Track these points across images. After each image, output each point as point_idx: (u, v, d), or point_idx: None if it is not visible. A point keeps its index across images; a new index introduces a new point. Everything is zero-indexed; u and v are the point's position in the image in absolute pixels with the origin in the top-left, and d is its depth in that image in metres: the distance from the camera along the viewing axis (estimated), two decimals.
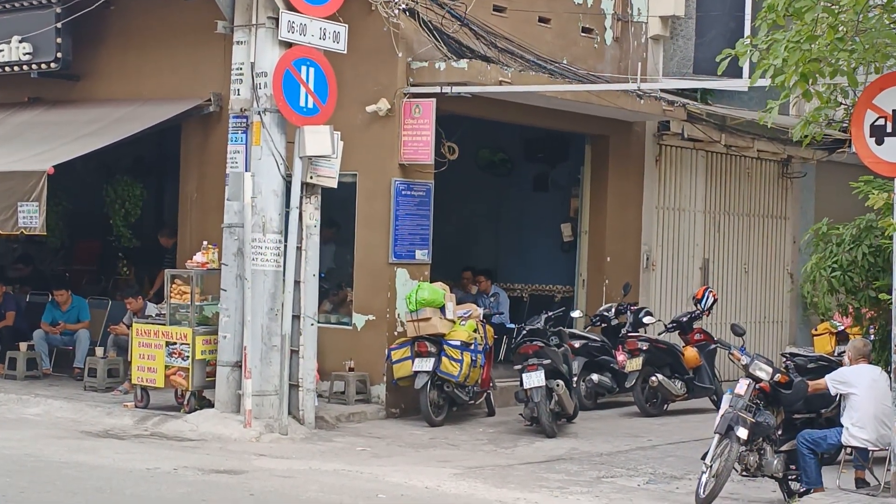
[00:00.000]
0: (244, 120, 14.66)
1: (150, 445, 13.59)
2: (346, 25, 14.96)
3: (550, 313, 16.00)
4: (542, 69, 17.33)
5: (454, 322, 15.60)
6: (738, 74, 16.32)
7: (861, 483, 11.73)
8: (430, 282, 16.12)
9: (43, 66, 17.83)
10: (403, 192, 16.16)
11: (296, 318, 14.53)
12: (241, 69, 14.68)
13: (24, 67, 18.00)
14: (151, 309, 16.44)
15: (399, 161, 16.09)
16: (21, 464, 12.05)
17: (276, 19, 14.36)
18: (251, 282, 14.39)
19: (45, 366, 18.07)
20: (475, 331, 15.67)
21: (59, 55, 17.66)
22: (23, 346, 17.89)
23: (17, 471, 11.67)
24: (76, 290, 18.99)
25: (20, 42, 17.89)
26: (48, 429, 14.41)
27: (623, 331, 17.55)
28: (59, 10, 17.44)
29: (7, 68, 18.15)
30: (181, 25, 17.21)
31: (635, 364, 16.94)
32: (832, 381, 11.62)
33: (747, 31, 18.10)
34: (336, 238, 16.88)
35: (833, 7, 10.54)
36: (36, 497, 10.64)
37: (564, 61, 18.15)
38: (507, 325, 17.99)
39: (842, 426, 11.49)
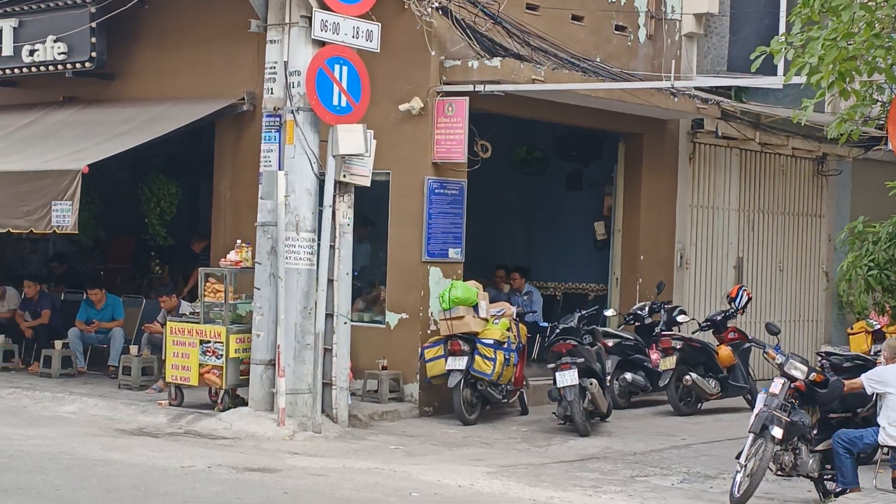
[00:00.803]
0: (277, 119, 14.68)
1: (185, 443, 13.62)
2: (379, 24, 14.96)
3: (584, 312, 15.97)
4: (576, 67, 17.29)
5: (487, 320, 15.58)
6: (773, 71, 16.24)
7: None
8: (464, 280, 16.10)
9: (77, 65, 17.90)
10: (436, 191, 16.15)
11: (329, 316, 14.54)
12: (274, 68, 14.70)
13: (59, 67, 18.07)
14: (185, 307, 16.51)
15: (432, 159, 16.08)
16: (56, 461, 12.10)
17: (310, 18, 14.36)
18: (284, 280, 14.41)
19: (79, 364, 18.14)
20: (508, 329, 15.65)
21: (93, 55, 17.73)
22: (58, 344, 17.97)
23: (53, 468, 11.72)
24: (111, 289, 19.05)
25: (55, 42, 17.97)
26: (83, 426, 14.46)
27: (657, 329, 17.50)
28: (93, 9, 17.49)
29: (42, 68, 18.23)
30: (215, 25, 17.25)
31: (669, 363, 16.89)
32: (868, 380, 11.54)
33: (782, 28, 18.02)
34: (369, 237, 16.88)
35: (870, 4, 10.48)
36: (71, 494, 10.68)
37: (598, 59, 18.10)
38: (541, 324, 17.96)
39: (878, 426, 11.41)
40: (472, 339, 15.36)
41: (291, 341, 14.43)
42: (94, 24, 17.58)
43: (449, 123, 15.93)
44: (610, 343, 17.02)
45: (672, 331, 17.42)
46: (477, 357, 15.26)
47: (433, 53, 15.98)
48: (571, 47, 17.61)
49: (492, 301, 16.23)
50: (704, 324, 17.87)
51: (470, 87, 15.95)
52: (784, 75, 11.83)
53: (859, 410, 12.04)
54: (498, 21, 16.53)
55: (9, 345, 18.59)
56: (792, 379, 11.48)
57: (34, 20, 18.19)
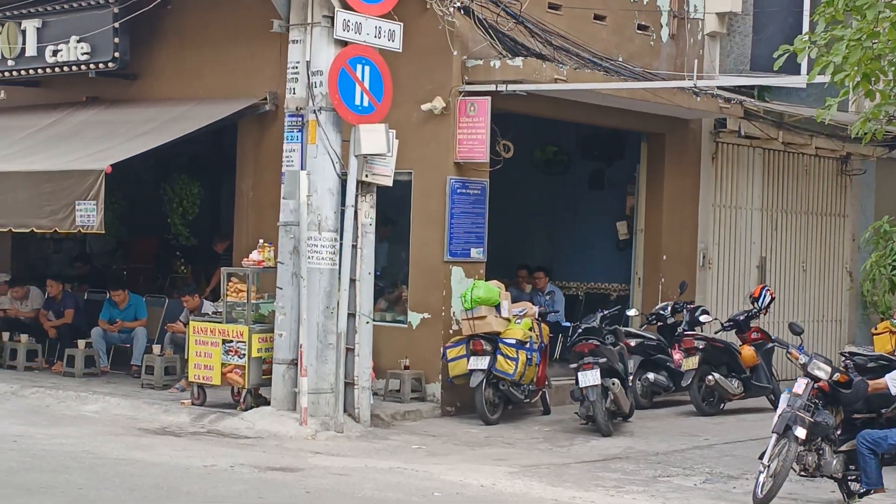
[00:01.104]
0: (300, 118, 14.70)
1: (207, 443, 13.65)
2: (402, 24, 14.96)
3: (606, 312, 15.93)
4: (598, 67, 17.26)
5: (509, 320, 15.57)
6: (797, 70, 16.19)
7: None
8: (486, 280, 16.09)
9: (100, 65, 17.96)
10: (459, 191, 16.14)
11: (351, 316, 14.55)
12: (296, 68, 14.72)
13: (82, 67, 18.13)
14: (208, 307, 16.54)
15: (454, 159, 16.07)
16: (79, 460, 12.13)
17: (332, 18, 14.37)
18: (307, 280, 14.42)
19: (102, 363, 18.21)
20: (530, 329, 15.64)
21: (116, 55, 17.78)
22: (81, 343, 18.03)
23: (76, 467, 11.75)
24: (133, 288, 19.12)
25: (78, 42, 18.03)
26: (106, 426, 14.50)
27: (679, 329, 17.46)
28: (116, 10, 17.55)
29: (65, 68, 18.30)
30: (237, 24, 17.28)
31: (692, 363, 16.86)
32: (892, 381, 11.48)
33: (805, 27, 17.96)
34: (391, 236, 16.88)
35: (895, 2, 10.43)
36: (94, 494, 10.70)
37: (620, 59, 18.07)
38: (563, 324, 17.94)
39: None
40: (494, 338, 15.35)
41: (314, 341, 14.45)
42: (116, 25, 17.63)
43: (471, 123, 15.93)
44: (632, 343, 16.99)
45: (695, 331, 17.38)
46: (499, 357, 15.25)
47: (455, 53, 15.98)
48: (594, 47, 17.59)
49: (514, 301, 16.21)
50: (727, 324, 17.82)
51: (492, 87, 15.93)
52: (808, 74, 11.78)
53: (883, 411, 11.96)
54: (520, 21, 16.51)
55: (32, 344, 18.67)
56: (815, 379, 11.43)
57: (57, 20, 18.26)
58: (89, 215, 15.67)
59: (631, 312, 18.18)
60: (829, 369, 11.47)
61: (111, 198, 17.92)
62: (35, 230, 16.80)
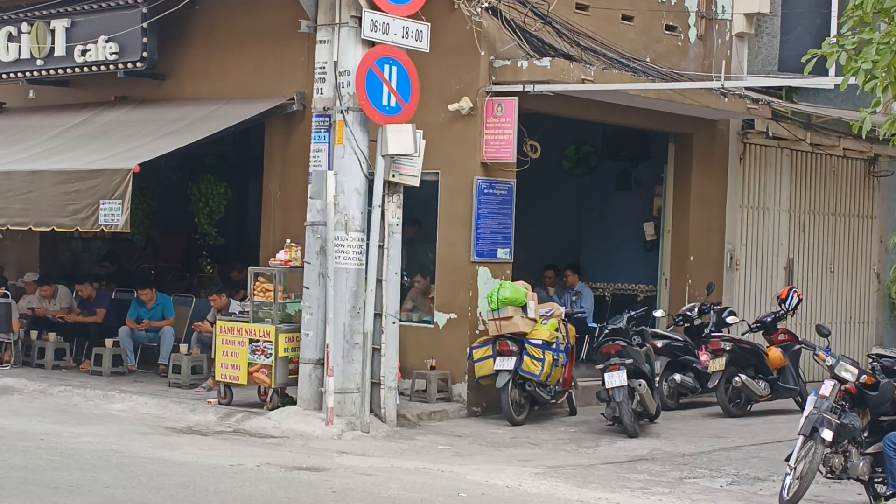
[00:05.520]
0: (327, 119, 14.73)
1: (234, 442, 13.69)
2: (429, 24, 14.98)
3: (633, 312, 15.91)
4: (625, 67, 17.24)
5: (536, 321, 15.56)
6: (825, 72, 16.14)
7: None
8: (512, 280, 16.09)
9: (129, 65, 18.03)
10: (486, 191, 16.15)
11: (378, 316, 14.58)
12: (324, 68, 14.76)
13: (111, 67, 18.22)
14: (235, 306, 16.58)
15: (481, 159, 16.08)
16: (106, 459, 12.19)
17: (359, 18, 14.40)
18: (333, 280, 14.45)
19: (130, 362, 18.28)
20: (557, 330, 15.63)
21: (144, 55, 17.86)
22: (108, 342, 18.11)
23: (103, 466, 11.81)
24: (161, 288, 19.19)
25: (107, 42, 18.11)
26: (133, 425, 14.56)
27: (706, 330, 17.42)
28: (145, 10, 17.63)
29: (94, 68, 18.39)
30: (265, 25, 17.33)
31: (718, 364, 16.81)
32: None
33: (833, 28, 17.91)
34: (418, 236, 16.89)
35: None
36: (121, 492, 10.74)
37: (647, 59, 18.05)
38: (590, 325, 17.93)
39: None
40: (520, 339, 15.34)
41: (340, 340, 14.48)
42: (145, 25, 17.71)
43: (498, 123, 15.93)
44: (659, 344, 16.97)
45: (722, 332, 17.34)
46: (525, 357, 15.25)
47: (483, 53, 15.98)
48: (621, 47, 17.57)
49: (540, 302, 16.21)
50: (754, 325, 17.77)
51: (519, 87, 15.93)
52: (836, 75, 11.72)
53: None
54: (547, 21, 16.50)
55: (60, 343, 18.76)
56: (842, 381, 11.40)
57: (86, 20, 18.35)
58: (113, 214, 15.72)
59: (658, 313, 18.16)
60: (855, 371, 11.44)
61: (140, 197, 18.00)
62: (56, 229, 16.86)
